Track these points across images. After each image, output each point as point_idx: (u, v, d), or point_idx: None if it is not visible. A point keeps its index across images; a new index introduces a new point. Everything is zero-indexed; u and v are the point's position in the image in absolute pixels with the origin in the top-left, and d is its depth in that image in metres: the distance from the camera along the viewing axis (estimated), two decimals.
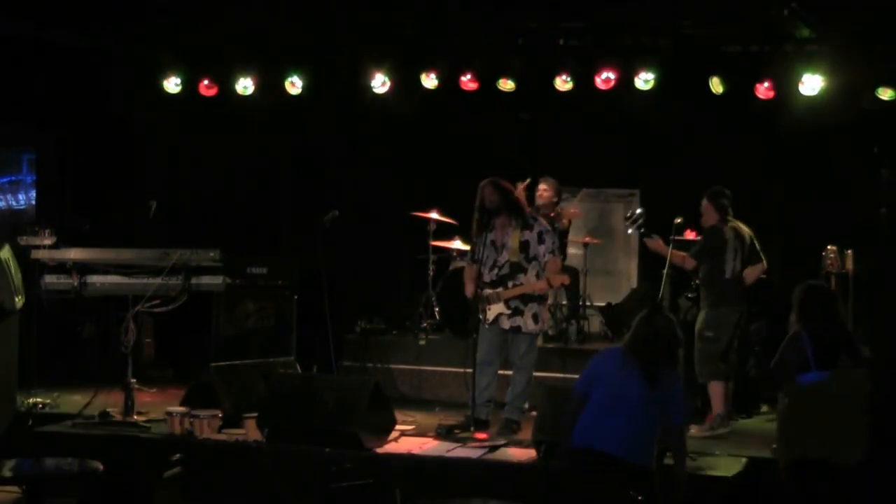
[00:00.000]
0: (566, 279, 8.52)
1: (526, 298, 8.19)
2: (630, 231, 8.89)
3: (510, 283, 8.20)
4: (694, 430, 8.27)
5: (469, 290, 8.31)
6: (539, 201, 10.03)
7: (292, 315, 9.97)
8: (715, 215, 8.68)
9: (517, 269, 8.21)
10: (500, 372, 8.42)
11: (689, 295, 9.32)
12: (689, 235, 9.66)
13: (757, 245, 8.67)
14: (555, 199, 10.16)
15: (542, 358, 9.29)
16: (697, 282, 8.89)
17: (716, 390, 8.42)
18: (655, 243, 8.81)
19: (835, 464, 5.76)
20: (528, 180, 9.50)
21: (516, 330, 8.21)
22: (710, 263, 8.54)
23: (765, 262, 8.69)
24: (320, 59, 10.89)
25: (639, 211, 9.14)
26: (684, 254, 8.71)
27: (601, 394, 5.96)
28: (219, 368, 8.37)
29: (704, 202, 8.79)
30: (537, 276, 8.20)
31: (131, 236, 9.88)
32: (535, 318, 8.24)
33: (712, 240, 8.57)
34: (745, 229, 8.66)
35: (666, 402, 5.87)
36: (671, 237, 9.48)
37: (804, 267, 8.77)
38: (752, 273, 8.60)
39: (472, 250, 8.43)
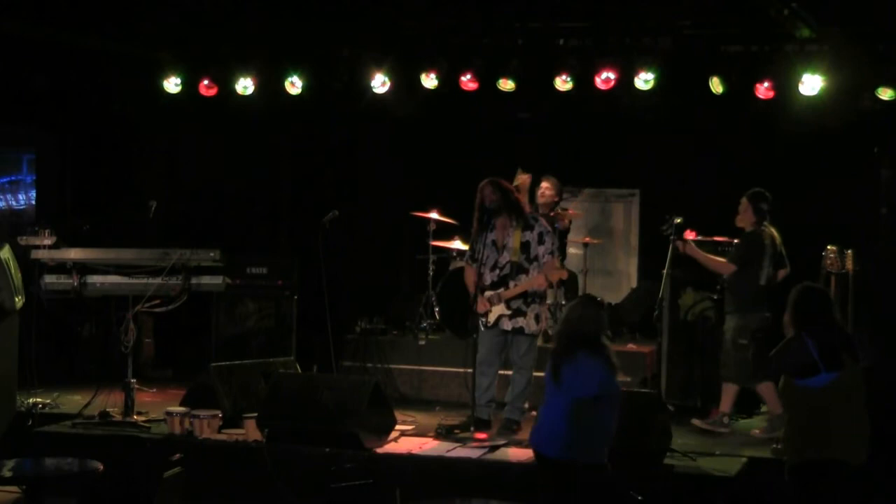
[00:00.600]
0: (564, 274, 8.53)
1: (528, 299, 8.19)
2: (671, 238, 8.88)
3: (511, 284, 8.20)
4: (697, 421, 8.49)
5: (472, 289, 8.28)
6: (540, 200, 10.04)
7: (292, 315, 9.98)
8: (752, 218, 8.63)
9: (518, 269, 8.21)
10: (500, 372, 8.42)
11: (714, 297, 9.29)
12: (689, 235, 9.66)
13: (783, 249, 8.69)
14: (556, 199, 10.16)
15: (542, 358, 9.29)
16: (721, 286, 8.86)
17: (766, 391, 8.42)
18: (690, 248, 8.76)
19: (847, 463, 5.77)
20: (530, 174, 9.52)
21: (519, 331, 8.20)
22: (745, 270, 8.49)
23: (788, 266, 8.70)
24: (320, 59, 10.89)
25: (678, 221, 9.06)
26: (723, 259, 8.66)
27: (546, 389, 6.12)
28: (219, 368, 8.37)
29: (744, 202, 8.72)
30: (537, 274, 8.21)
31: (131, 236, 9.87)
32: (537, 318, 8.25)
33: (752, 247, 8.53)
34: (775, 234, 8.68)
35: (574, 385, 5.89)
36: (671, 237, 9.49)
37: (804, 267, 8.76)
38: (776, 277, 8.62)
39: (472, 249, 8.43)
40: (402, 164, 11.80)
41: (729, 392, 8.55)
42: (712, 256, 8.72)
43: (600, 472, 5.87)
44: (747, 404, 9.07)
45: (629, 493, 5.97)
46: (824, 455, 5.73)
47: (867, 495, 6.56)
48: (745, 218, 8.70)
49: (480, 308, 8.18)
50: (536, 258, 8.21)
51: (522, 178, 9.68)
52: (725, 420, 8.50)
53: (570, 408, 5.84)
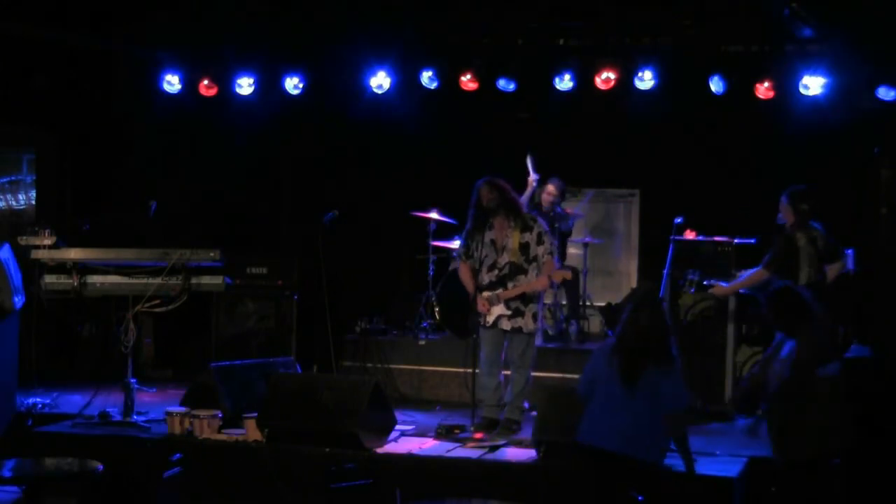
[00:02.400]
0: (568, 274, 8.52)
1: (526, 299, 8.19)
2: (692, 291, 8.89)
3: (510, 284, 8.20)
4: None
5: (470, 288, 8.28)
6: (545, 202, 10.05)
7: (292, 315, 9.98)
8: (792, 218, 8.31)
9: (517, 270, 8.21)
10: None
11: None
12: (689, 235, 9.67)
13: (828, 245, 8.33)
14: (558, 201, 10.16)
15: (542, 358, 9.29)
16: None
17: None
18: (719, 289, 8.68)
19: (835, 455, 5.79)
20: (538, 175, 9.55)
21: (517, 331, 8.20)
22: (781, 274, 8.09)
23: (842, 260, 8.40)
24: (320, 59, 10.89)
25: (691, 277, 9.02)
26: (756, 270, 8.33)
27: (598, 391, 6.10)
28: (219, 368, 8.37)
29: (783, 201, 8.39)
30: (536, 275, 8.21)
31: (131, 236, 9.87)
32: (535, 317, 8.25)
33: (784, 248, 8.22)
34: (817, 234, 8.29)
35: (657, 395, 5.92)
36: (671, 237, 9.50)
37: None
38: (831, 271, 8.31)
39: (465, 245, 8.38)
40: (403, 164, 11.80)
41: None
42: (744, 278, 8.42)
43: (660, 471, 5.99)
44: (747, 404, 9.07)
45: (629, 493, 5.97)
46: (819, 448, 5.73)
47: (855, 487, 6.57)
48: (786, 217, 8.37)
49: (481, 308, 8.18)
50: (535, 258, 8.21)
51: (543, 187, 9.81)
52: None
53: (652, 410, 5.91)
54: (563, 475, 6.87)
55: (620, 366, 6.04)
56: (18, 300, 8.21)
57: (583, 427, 6.07)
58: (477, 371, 8.25)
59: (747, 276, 8.49)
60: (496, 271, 8.23)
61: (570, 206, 11.03)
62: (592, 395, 6.14)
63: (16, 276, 8.19)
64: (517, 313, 8.18)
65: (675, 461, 7.24)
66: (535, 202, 10.11)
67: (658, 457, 6.00)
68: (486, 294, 8.17)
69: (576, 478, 6.20)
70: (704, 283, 9.06)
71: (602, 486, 5.97)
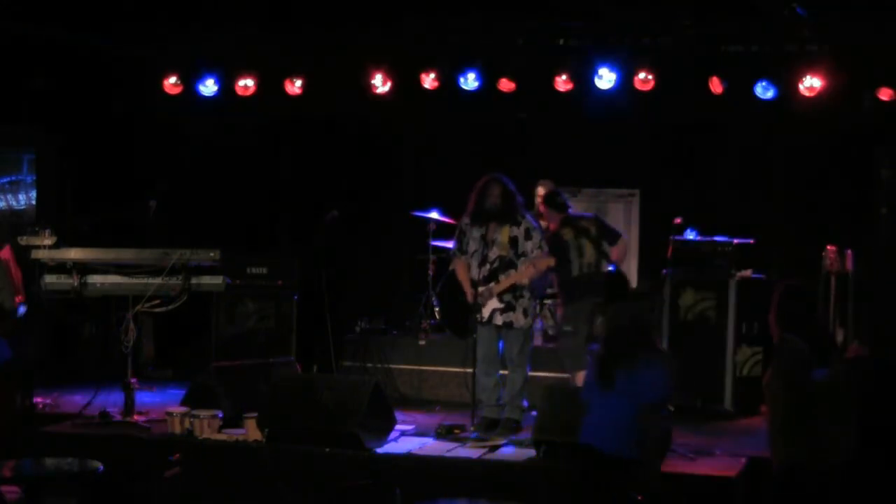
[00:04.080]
0: (552, 261, 8.51)
1: (517, 294, 8.19)
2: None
3: (501, 278, 8.21)
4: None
5: (468, 290, 8.29)
6: (538, 205, 10.05)
7: (292, 315, 9.98)
8: (556, 218, 8.89)
9: (508, 264, 8.22)
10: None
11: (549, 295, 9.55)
12: (689, 235, 9.67)
13: (607, 224, 8.93)
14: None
15: (542, 358, 9.30)
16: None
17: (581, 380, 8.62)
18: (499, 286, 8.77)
19: (835, 462, 5.77)
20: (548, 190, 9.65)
21: (508, 325, 8.21)
22: (561, 266, 8.69)
23: (623, 240, 8.91)
24: (320, 60, 10.89)
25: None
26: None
27: (592, 393, 6.15)
28: (219, 368, 8.37)
29: (545, 209, 9.07)
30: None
31: (131, 236, 9.87)
32: (526, 312, 8.25)
33: (554, 247, 8.60)
34: (582, 223, 8.86)
35: (637, 389, 5.94)
36: (671, 237, 9.50)
37: (804, 267, 8.77)
38: (617, 252, 8.75)
39: (459, 241, 8.41)
40: (403, 164, 11.80)
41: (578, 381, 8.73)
42: (525, 267, 8.61)
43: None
44: (748, 404, 9.08)
45: (629, 493, 5.97)
46: (814, 455, 5.71)
47: (858, 493, 6.56)
48: (550, 220, 9.01)
49: (471, 299, 8.17)
50: (524, 254, 8.22)
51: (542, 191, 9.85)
52: None
53: (636, 406, 5.94)
54: (564, 475, 6.88)
55: (596, 365, 6.12)
56: (21, 308, 8.22)
57: (582, 428, 6.12)
58: (476, 371, 8.25)
59: (533, 262, 8.75)
60: (487, 266, 8.23)
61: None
62: (589, 397, 6.18)
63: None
64: (509, 308, 8.19)
65: (675, 461, 7.27)
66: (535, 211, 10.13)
67: (644, 454, 5.98)
68: (480, 289, 8.17)
69: (574, 478, 6.22)
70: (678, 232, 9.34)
71: (596, 486, 5.99)
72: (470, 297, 8.22)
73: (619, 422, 5.97)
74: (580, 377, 8.47)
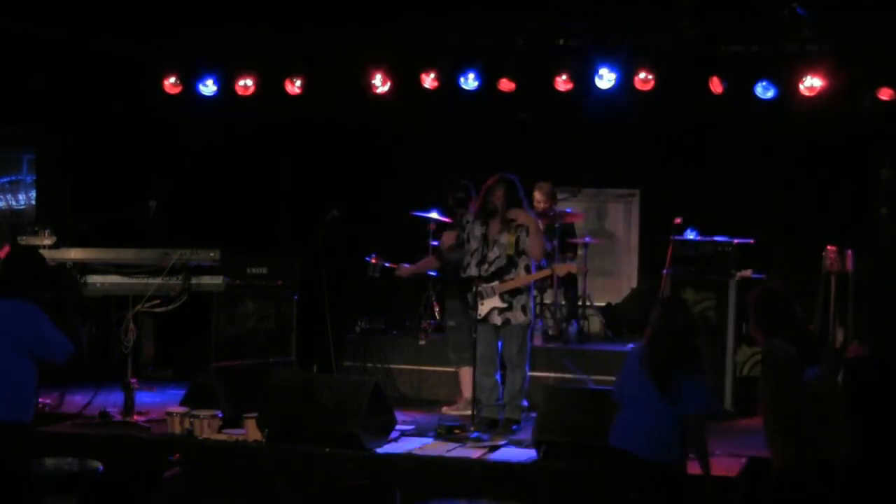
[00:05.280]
0: (573, 267, 8.54)
1: (515, 291, 8.20)
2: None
3: (506, 278, 8.21)
4: (444, 408, 8.94)
5: (449, 247, 8.56)
6: (536, 209, 10.06)
7: (292, 315, 9.97)
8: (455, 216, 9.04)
9: (511, 264, 8.23)
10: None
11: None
12: (689, 235, 9.67)
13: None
14: (547, 205, 10.16)
15: (542, 358, 9.30)
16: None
17: (463, 375, 8.92)
18: (403, 270, 9.46)
19: (830, 462, 5.76)
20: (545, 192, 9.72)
21: (506, 323, 8.21)
22: (456, 260, 8.81)
23: (547, 246, 8.92)
24: (320, 59, 10.89)
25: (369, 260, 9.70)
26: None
27: (627, 395, 6.08)
28: (219, 368, 8.37)
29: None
30: (526, 269, 8.23)
31: (131, 236, 9.87)
32: (525, 310, 8.25)
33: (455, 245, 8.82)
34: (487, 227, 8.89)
35: (682, 398, 5.92)
36: (671, 237, 9.50)
37: (804, 267, 8.76)
38: (446, 238, 8.86)
39: (459, 225, 8.55)
40: (403, 164, 11.80)
41: (465, 377, 8.90)
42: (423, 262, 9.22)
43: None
44: (748, 404, 9.08)
45: (631, 492, 5.97)
46: (813, 455, 5.71)
47: (857, 492, 6.56)
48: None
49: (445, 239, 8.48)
50: (524, 252, 8.23)
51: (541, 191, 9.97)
52: (468, 404, 8.60)
53: (678, 414, 5.90)
54: (563, 475, 6.89)
55: (652, 369, 5.97)
56: None
57: (614, 431, 6.06)
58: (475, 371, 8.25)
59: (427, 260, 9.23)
60: (486, 265, 8.23)
61: (569, 206, 11.00)
62: (623, 398, 6.12)
63: None
64: (508, 307, 8.20)
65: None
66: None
67: (682, 460, 5.98)
68: (482, 286, 8.16)
69: (607, 481, 6.17)
70: (386, 265, 9.50)
71: (630, 489, 5.96)
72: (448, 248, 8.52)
73: (666, 428, 5.91)
74: (465, 373, 8.84)
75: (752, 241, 9.56)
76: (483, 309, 8.18)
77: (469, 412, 8.35)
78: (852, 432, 5.84)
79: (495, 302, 8.19)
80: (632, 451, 5.91)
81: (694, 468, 7.04)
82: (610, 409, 6.24)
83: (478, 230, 8.30)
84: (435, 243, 10.46)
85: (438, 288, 10.35)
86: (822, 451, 5.71)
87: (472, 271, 8.24)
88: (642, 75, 10.11)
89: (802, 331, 5.96)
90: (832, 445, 5.74)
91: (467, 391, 8.81)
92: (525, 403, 8.37)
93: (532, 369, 8.55)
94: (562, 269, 8.37)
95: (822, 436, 5.71)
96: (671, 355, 5.96)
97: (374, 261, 9.66)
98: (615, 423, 6.07)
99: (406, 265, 9.44)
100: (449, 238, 8.64)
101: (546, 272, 8.28)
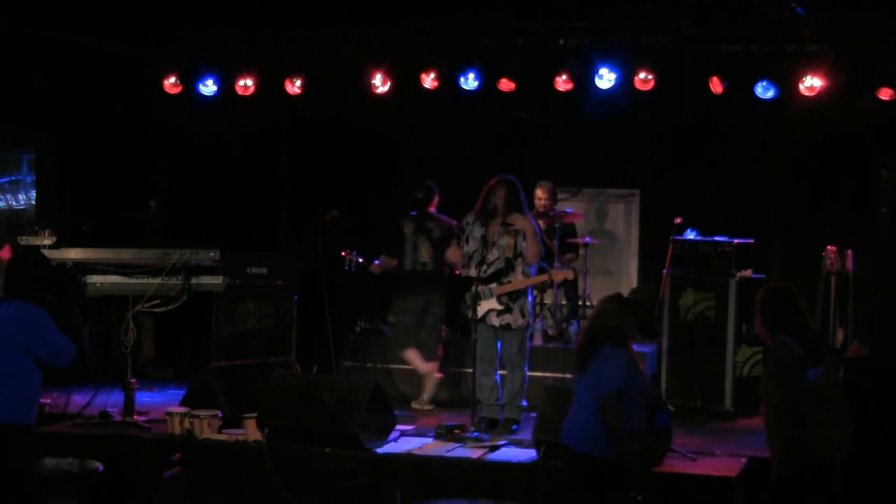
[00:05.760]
0: (570, 274, 8.57)
1: (514, 294, 8.20)
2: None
3: (504, 281, 8.21)
4: (415, 403, 9.26)
5: (458, 265, 8.49)
6: (537, 207, 10.06)
7: (292, 315, 9.97)
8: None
9: (509, 267, 8.23)
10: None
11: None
12: (689, 235, 9.67)
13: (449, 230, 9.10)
14: (551, 203, 10.17)
15: (542, 358, 9.30)
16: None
17: (411, 356, 9.36)
18: (375, 267, 9.57)
19: (834, 461, 5.77)
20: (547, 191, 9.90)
21: (506, 327, 8.21)
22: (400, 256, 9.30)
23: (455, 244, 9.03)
24: (320, 59, 10.89)
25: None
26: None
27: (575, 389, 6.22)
28: (219, 368, 8.37)
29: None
30: (523, 272, 8.24)
31: (131, 236, 9.87)
32: (523, 313, 8.26)
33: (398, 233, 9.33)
34: (431, 222, 9.28)
35: (598, 381, 5.93)
36: (671, 237, 9.50)
37: (804, 267, 8.76)
38: (452, 254, 8.79)
39: (457, 236, 8.54)
40: (403, 164, 11.80)
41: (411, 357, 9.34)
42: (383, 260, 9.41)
43: (623, 470, 5.89)
44: (748, 404, 9.08)
45: (629, 493, 5.96)
46: (816, 455, 5.71)
47: (857, 492, 6.56)
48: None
49: (450, 255, 8.55)
50: (521, 254, 8.23)
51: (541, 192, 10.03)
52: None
53: (595, 402, 5.90)
54: (564, 475, 6.88)
55: (576, 356, 6.17)
56: None
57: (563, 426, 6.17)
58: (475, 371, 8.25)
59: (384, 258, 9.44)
60: (485, 267, 8.24)
61: (568, 205, 11.00)
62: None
63: None
64: (506, 309, 8.20)
65: (675, 461, 7.27)
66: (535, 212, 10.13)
67: (607, 450, 5.92)
68: (480, 287, 8.17)
69: (568, 479, 6.21)
70: (359, 259, 9.59)
71: (584, 487, 5.96)
72: (459, 269, 8.47)
73: (583, 417, 5.95)
74: (410, 354, 9.29)
75: (752, 241, 9.56)
76: (481, 310, 8.18)
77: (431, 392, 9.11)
78: (853, 432, 5.85)
79: (493, 304, 8.20)
80: (573, 446, 5.98)
81: (693, 468, 7.08)
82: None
83: (477, 231, 8.31)
84: None
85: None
86: (822, 451, 5.71)
87: (472, 272, 8.24)
88: (642, 75, 10.10)
89: (808, 329, 5.96)
90: (833, 445, 5.74)
91: (421, 366, 9.28)
92: (524, 403, 8.38)
93: (532, 369, 8.55)
94: (559, 275, 8.43)
95: (823, 435, 5.72)
96: (587, 344, 6.08)
97: (345, 254, 9.64)
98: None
99: (377, 262, 9.55)
100: (455, 255, 8.57)
101: (544, 277, 8.31)
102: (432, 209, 9.43)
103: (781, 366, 5.76)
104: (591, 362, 6.01)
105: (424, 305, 9.28)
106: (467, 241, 8.37)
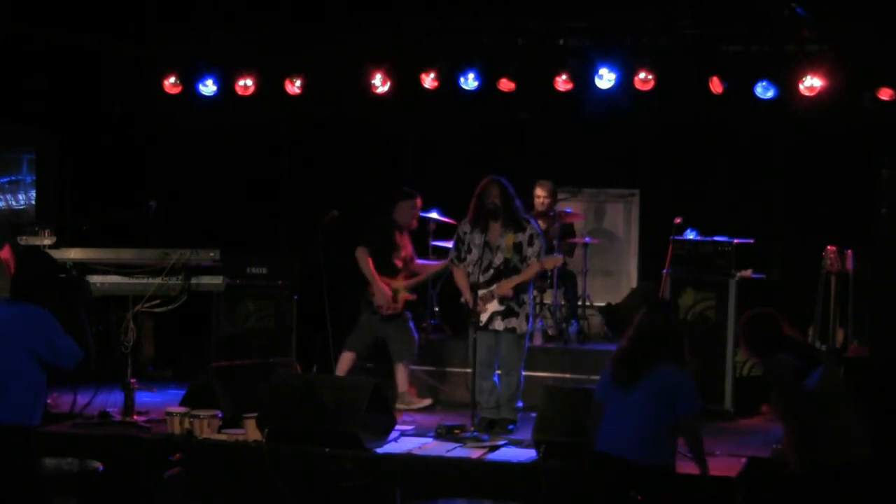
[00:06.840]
0: (559, 260, 8.54)
1: (519, 299, 8.19)
2: None
3: (503, 282, 8.20)
4: (400, 404, 9.13)
5: (467, 296, 8.24)
6: (537, 207, 10.06)
7: (292, 315, 9.97)
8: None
9: (512, 269, 8.22)
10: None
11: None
12: (689, 235, 9.67)
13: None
14: (549, 201, 10.16)
15: (542, 358, 9.31)
16: None
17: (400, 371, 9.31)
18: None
19: (850, 462, 5.78)
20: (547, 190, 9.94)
21: (510, 332, 8.20)
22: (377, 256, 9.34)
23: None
24: (320, 60, 10.89)
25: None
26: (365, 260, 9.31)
27: (610, 397, 6.09)
28: (219, 368, 8.37)
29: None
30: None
31: (131, 236, 9.86)
32: (527, 319, 8.27)
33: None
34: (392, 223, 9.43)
35: (667, 398, 5.91)
36: (671, 237, 9.50)
37: (804, 267, 8.76)
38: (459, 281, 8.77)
39: (457, 249, 8.40)
40: (403, 165, 11.80)
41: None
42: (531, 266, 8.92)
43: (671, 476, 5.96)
44: (747, 404, 9.08)
45: (629, 493, 5.96)
46: (831, 457, 5.71)
47: (867, 494, 6.56)
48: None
49: (471, 304, 8.13)
50: (526, 259, 8.22)
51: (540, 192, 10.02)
52: (402, 398, 9.17)
53: (663, 414, 5.93)
54: (563, 475, 6.89)
55: (617, 369, 6.05)
56: None
57: (601, 434, 6.06)
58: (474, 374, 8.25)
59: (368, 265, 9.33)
60: (491, 271, 8.23)
61: (569, 205, 11.00)
62: (605, 401, 6.13)
63: None
64: (510, 313, 8.18)
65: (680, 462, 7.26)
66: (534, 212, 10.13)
67: (667, 460, 5.98)
68: (480, 292, 8.15)
69: (591, 485, 6.17)
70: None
71: (614, 493, 5.95)
72: (470, 302, 8.18)
73: (644, 428, 5.90)
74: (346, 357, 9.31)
75: (752, 241, 9.56)
76: (484, 316, 8.17)
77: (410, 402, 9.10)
78: (870, 433, 5.86)
79: (494, 306, 8.19)
80: (619, 454, 5.91)
81: (693, 468, 7.07)
82: (590, 412, 6.25)
83: (478, 238, 8.26)
84: (435, 243, 10.47)
85: (438, 288, 10.34)
86: (836, 453, 5.72)
87: (476, 278, 8.22)
88: (642, 75, 10.10)
89: (796, 344, 5.97)
90: (848, 446, 5.74)
91: (404, 386, 9.26)
92: (520, 404, 8.38)
93: (532, 369, 8.56)
94: (549, 262, 8.37)
95: (834, 437, 5.72)
96: (643, 356, 5.98)
97: None
98: (602, 427, 6.06)
99: None
100: (462, 279, 8.51)
101: (535, 267, 8.23)
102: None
103: (780, 380, 5.80)
104: (641, 376, 5.95)
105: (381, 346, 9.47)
106: (469, 251, 8.33)
